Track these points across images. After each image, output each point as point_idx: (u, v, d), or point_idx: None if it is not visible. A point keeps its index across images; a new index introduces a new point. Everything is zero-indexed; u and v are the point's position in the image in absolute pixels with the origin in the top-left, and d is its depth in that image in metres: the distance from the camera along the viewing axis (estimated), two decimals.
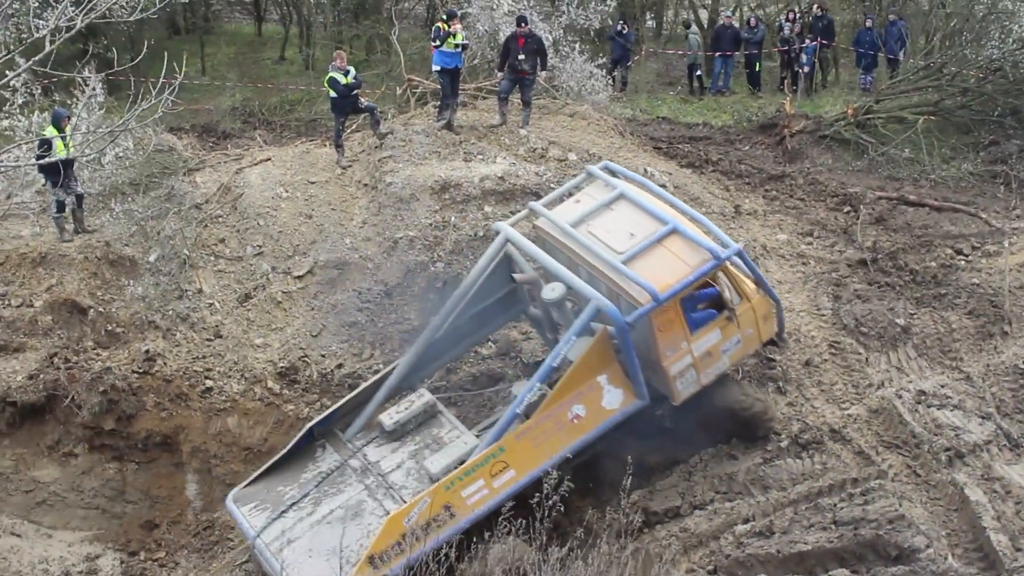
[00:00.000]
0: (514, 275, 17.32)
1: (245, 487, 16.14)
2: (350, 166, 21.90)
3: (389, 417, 16.46)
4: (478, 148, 21.93)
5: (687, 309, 16.08)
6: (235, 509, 15.80)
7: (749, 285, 16.73)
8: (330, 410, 16.98)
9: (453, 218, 20.04)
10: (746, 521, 15.90)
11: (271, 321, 19.10)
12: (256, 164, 22.21)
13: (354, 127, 24.40)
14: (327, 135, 24.27)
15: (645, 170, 22.59)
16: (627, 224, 16.26)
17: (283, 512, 15.60)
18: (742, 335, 16.58)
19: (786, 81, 32.51)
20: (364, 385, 17.34)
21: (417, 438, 16.42)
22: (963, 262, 21.39)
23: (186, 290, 19.50)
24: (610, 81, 29.98)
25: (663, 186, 21.53)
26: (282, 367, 18.48)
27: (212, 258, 20.01)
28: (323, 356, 18.66)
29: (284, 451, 16.44)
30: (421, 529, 14.43)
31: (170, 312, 19.23)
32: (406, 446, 16.34)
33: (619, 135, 24.81)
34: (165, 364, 18.43)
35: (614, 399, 15.86)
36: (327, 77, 21.90)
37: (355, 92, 21.81)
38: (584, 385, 15.70)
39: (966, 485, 16.35)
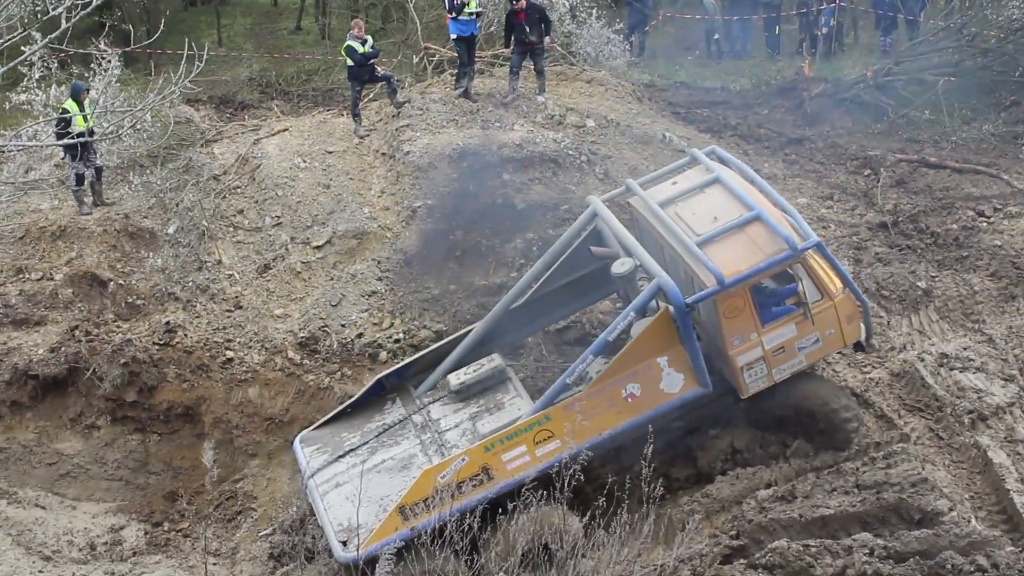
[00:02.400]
0: (592, 248, 17.15)
1: (313, 430, 16.62)
2: (367, 135, 21.87)
3: (456, 377, 16.57)
4: (495, 116, 21.86)
5: (762, 301, 15.71)
6: (298, 448, 16.29)
7: (835, 284, 16.11)
8: (402, 364, 17.22)
9: (471, 186, 19.98)
10: (768, 486, 15.90)
11: (291, 291, 19.11)
12: (273, 135, 22.20)
13: (371, 96, 24.34)
14: (344, 105, 24.21)
15: (664, 135, 22.53)
16: (714, 208, 15.95)
17: (340, 457, 15.93)
18: (821, 334, 15.99)
19: (805, 44, 32.28)
20: (439, 344, 17.47)
21: (481, 401, 16.46)
22: (985, 224, 21.26)
23: (205, 261, 19.52)
24: (628, 46, 29.83)
25: (681, 151, 21.48)
26: (302, 337, 18.48)
27: (231, 229, 20.03)
28: (343, 326, 18.65)
29: (356, 398, 16.80)
30: (455, 487, 14.50)
31: (190, 284, 19.26)
32: (468, 408, 16.41)
33: (637, 101, 24.72)
34: (185, 335, 18.47)
35: (673, 383, 15.57)
36: (344, 46, 21.85)
37: (372, 61, 21.75)
38: (642, 364, 15.46)
39: (989, 447, 16.32)
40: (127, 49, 19.15)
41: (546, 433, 15.17)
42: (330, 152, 21.46)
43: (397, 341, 18.37)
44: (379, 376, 17.03)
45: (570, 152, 20.87)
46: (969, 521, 15.03)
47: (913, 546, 14.49)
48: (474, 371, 16.61)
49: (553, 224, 19.63)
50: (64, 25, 13.01)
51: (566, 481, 12.78)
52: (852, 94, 27.52)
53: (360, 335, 18.57)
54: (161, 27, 19.61)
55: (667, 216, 15.82)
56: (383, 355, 18.21)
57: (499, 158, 20.39)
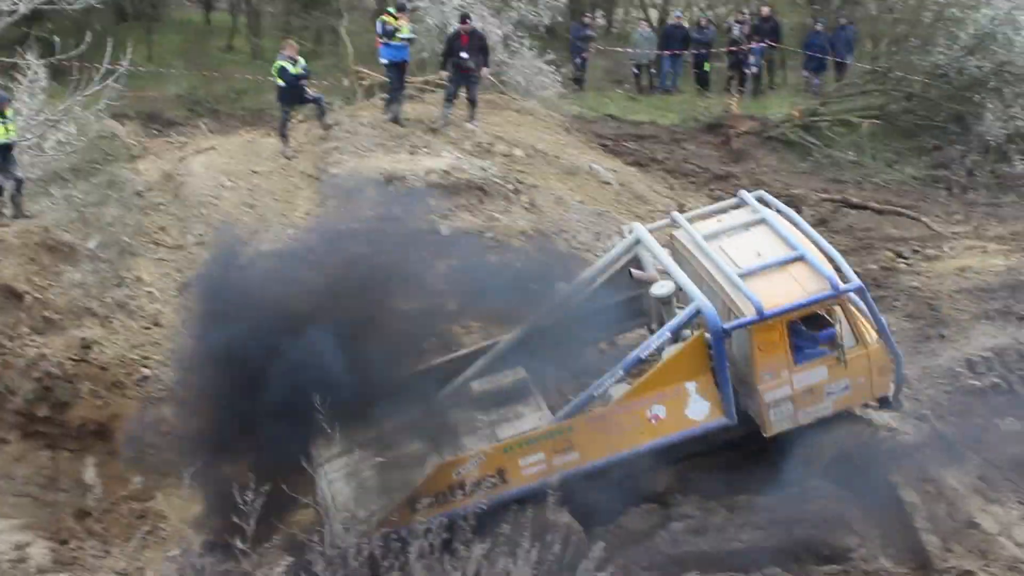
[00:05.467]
0: (632, 271, 17.07)
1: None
2: (295, 156, 21.82)
3: (479, 384, 16.38)
4: (424, 141, 21.90)
5: (797, 342, 15.60)
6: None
7: (870, 333, 16.08)
8: (428, 365, 16.81)
9: (397, 211, 19.94)
10: (682, 519, 15.95)
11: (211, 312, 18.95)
12: (200, 153, 22.11)
13: (300, 118, 24.28)
14: (272, 125, 24.13)
15: (591, 166, 22.64)
16: (758, 246, 15.95)
17: (354, 449, 15.59)
18: (852, 382, 15.89)
19: (733, 82, 32.62)
20: (463, 351, 17.28)
21: (501, 410, 16.15)
22: (903, 265, 21.56)
23: (125, 278, 19.31)
24: (569, 77, 30.03)
25: (608, 183, 21.63)
26: (222, 359, 18.29)
27: (152, 246, 19.85)
28: (265, 348, 18.47)
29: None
30: (470, 485, 14.40)
31: (108, 300, 19.02)
32: (487, 415, 16.11)
33: (565, 131, 24.88)
34: (102, 352, 18.22)
35: (699, 410, 15.37)
36: (276, 66, 21.81)
37: (303, 82, 21.71)
38: (670, 387, 15.29)
39: (900, 486, 16.48)
40: (53, 59, 18.98)
41: (566, 443, 15.00)
42: (256, 172, 21.37)
43: None
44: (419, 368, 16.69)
45: (497, 180, 20.92)
46: (877, 558, 15.16)
47: None
48: (497, 380, 16.43)
49: (477, 251, 19.60)
50: None
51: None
52: (778, 133, 27.88)
53: (282, 357, 18.41)
54: (87, 40, 19.49)
55: (710, 248, 15.84)
56: (303, 376, 18.06)
57: (426, 184, 20.38)
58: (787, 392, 15.50)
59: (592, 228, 20.94)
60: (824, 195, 24.46)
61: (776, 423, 15.65)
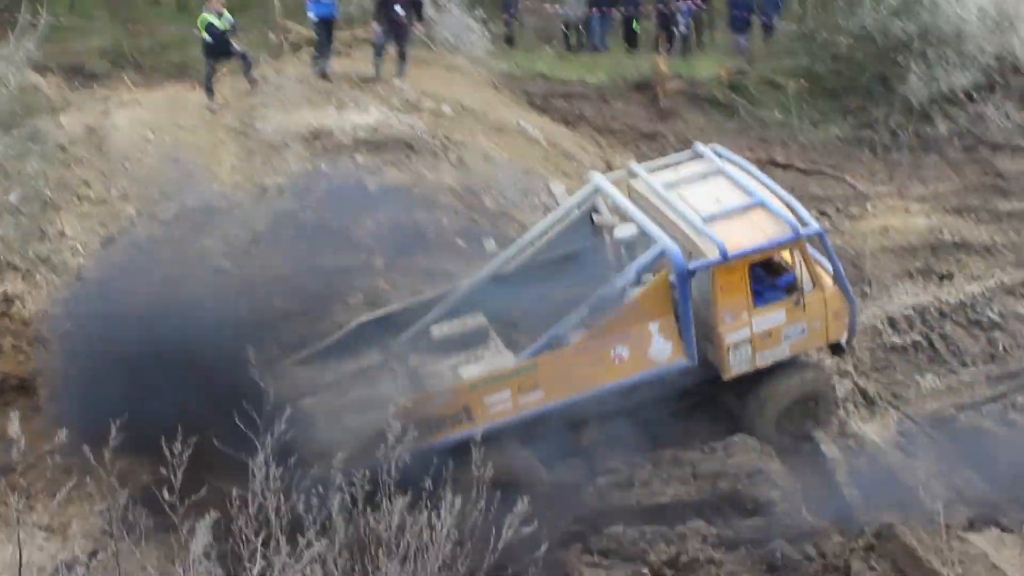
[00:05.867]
0: (593, 216, 17.24)
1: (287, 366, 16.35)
2: (220, 111, 21.60)
3: (439, 329, 16.53)
4: (351, 97, 21.77)
5: (757, 286, 15.98)
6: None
7: (826, 279, 16.50)
8: (382, 312, 17.09)
9: (324, 166, 19.85)
10: (607, 473, 16.06)
11: (134, 266, 18.72)
12: (124, 106, 21.80)
13: (225, 72, 24.00)
14: (198, 79, 23.82)
15: (519, 124, 22.61)
16: (717, 194, 16.33)
17: (314, 392, 15.79)
18: (808, 325, 16.32)
19: (662, 41, 32.60)
20: (420, 298, 17.37)
21: (462, 354, 16.36)
22: (827, 224, 21.72)
23: (47, 232, 19.08)
24: (499, 35, 29.90)
25: (536, 141, 21.64)
26: (144, 313, 18.12)
27: (75, 200, 19.60)
28: (188, 302, 18.32)
29: (334, 338, 16.62)
30: (436, 422, 14.54)
31: (30, 254, 18.78)
32: (448, 359, 16.31)
33: (494, 89, 24.78)
34: (24, 306, 18.03)
35: (661, 351, 15.69)
36: (201, 19, 21.55)
37: (228, 36, 21.47)
38: (634, 327, 15.55)
39: (822, 441, 16.70)
40: None
41: (531, 382, 15.19)
42: (181, 126, 21.16)
43: (243, 320, 18.12)
44: (360, 319, 16.91)
45: (425, 137, 20.87)
46: (800, 511, 15.37)
47: (745, 534, 14.86)
48: (458, 325, 16.60)
49: (405, 207, 19.56)
50: None
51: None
52: (706, 92, 27.91)
53: (205, 312, 18.26)
54: None
55: (670, 196, 16.16)
56: (228, 333, 17.94)
57: (353, 139, 20.28)
58: (746, 335, 15.90)
59: (520, 185, 20.95)
60: (750, 155, 24.52)
61: (735, 366, 16.05)
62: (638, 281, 15.95)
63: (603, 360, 15.48)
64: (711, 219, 15.75)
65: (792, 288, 16.19)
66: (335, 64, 23.11)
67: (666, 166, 17.55)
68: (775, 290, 16.33)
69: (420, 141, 20.68)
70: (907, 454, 16.76)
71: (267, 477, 11.00)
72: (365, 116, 21.04)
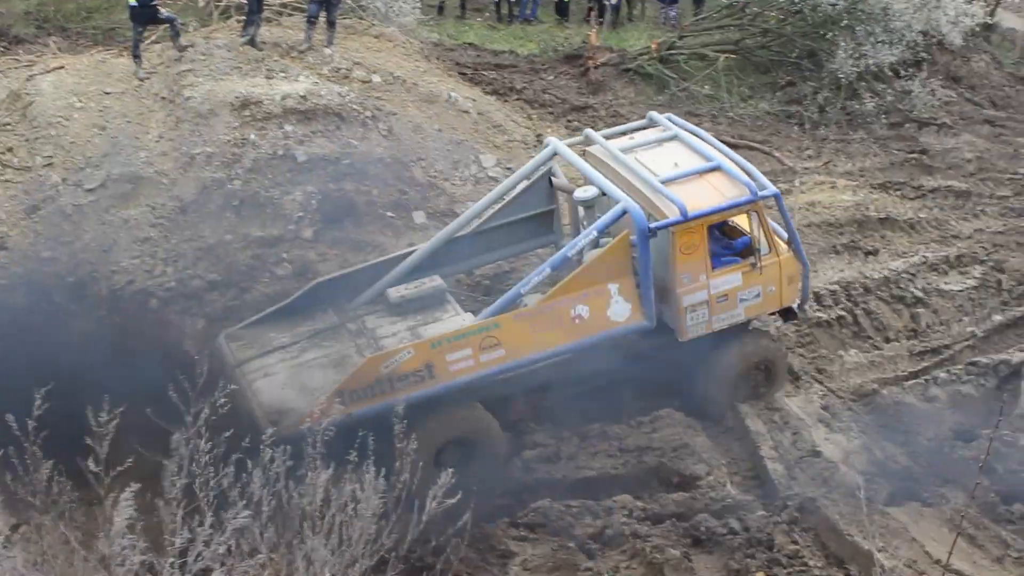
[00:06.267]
0: (552, 179, 17.48)
1: (239, 328, 16.46)
2: (148, 78, 21.30)
3: (396, 292, 16.58)
4: (281, 66, 21.57)
5: (715, 246, 16.20)
6: (223, 343, 16.12)
7: (780, 244, 16.73)
8: (341, 272, 17.23)
9: (253, 136, 19.69)
10: (535, 446, 16.14)
11: (60, 234, 18.50)
12: (49, 72, 21.43)
13: (153, 38, 23.72)
14: (125, 45, 23.50)
15: (450, 95, 22.54)
16: (675, 158, 16.51)
17: (269, 352, 15.88)
18: (764, 289, 16.53)
19: (593, 13, 32.68)
20: (378, 260, 17.48)
21: (419, 316, 16.44)
22: None
23: None
24: (429, 4, 29.79)
25: (466, 112, 21.61)
26: (70, 282, 17.96)
27: None
28: (113, 272, 18.17)
29: (288, 301, 16.71)
30: (397, 379, 14.69)
31: None
32: (406, 321, 16.38)
33: (424, 59, 24.68)
34: None
35: (620, 312, 15.81)
36: None
37: (155, 2, 21.21)
38: (594, 287, 15.66)
39: (747, 415, 16.86)
40: None
41: (493, 340, 15.28)
42: (108, 93, 20.84)
43: (169, 289, 18.01)
44: (317, 280, 16.99)
45: (355, 107, 20.73)
46: (725, 485, 15.55)
47: (670, 508, 15.01)
48: (415, 287, 16.65)
49: (334, 178, 19.50)
50: None
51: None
52: (636, 65, 28.01)
53: (131, 282, 18.13)
54: None
55: (628, 159, 16.34)
56: (154, 303, 17.84)
57: (282, 109, 20.14)
58: (704, 296, 16.10)
59: (450, 157, 20.92)
60: None
61: (692, 328, 16.22)
62: (596, 244, 16.06)
63: (564, 320, 15.61)
64: (670, 181, 15.95)
65: (748, 251, 16.45)
66: (264, 32, 22.91)
67: (622, 133, 17.76)
68: (731, 253, 16.61)
69: (350, 111, 20.55)
70: (830, 429, 16.96)
71: (193, 449, 10.94)
72: (294, 85, 20.88)
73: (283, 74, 21.23)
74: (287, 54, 22.18)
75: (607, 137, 17.45)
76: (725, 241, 16.73)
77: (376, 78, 22.16)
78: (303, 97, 20.47)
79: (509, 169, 20.65)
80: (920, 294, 20.13)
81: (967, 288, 20.53)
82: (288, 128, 19.93)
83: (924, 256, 21.04)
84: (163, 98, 20.70)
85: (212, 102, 20.14)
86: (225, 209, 18.96)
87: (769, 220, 16.57)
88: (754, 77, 27.99)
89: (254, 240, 18.66)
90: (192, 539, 10.28)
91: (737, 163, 16.55)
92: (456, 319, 16.27)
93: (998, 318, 20.09)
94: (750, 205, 16.02)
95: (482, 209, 17.55)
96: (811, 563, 14.22)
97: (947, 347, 19.37)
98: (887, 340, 19.37)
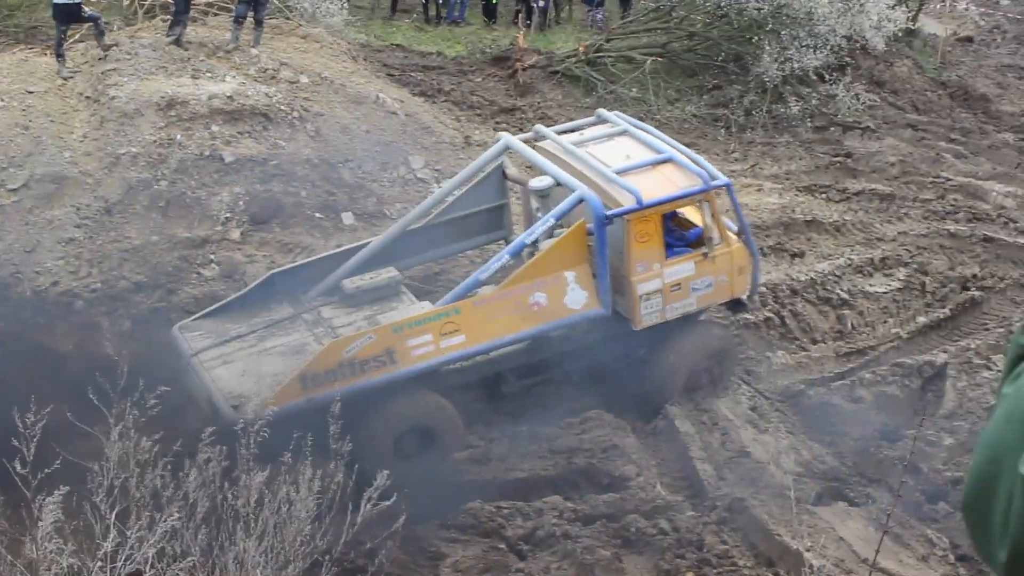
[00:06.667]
0: (505, 171, 17.71)
1: (192, 320, 16.33)
2: (72, 77, 21.07)
3: (351, 283, 16.57)
4: (207, 66, 21.40)
5: (668, 237, 16.36)
6: (178, 334, 15.96)
7: (731, 236, 16.93)
8: (296, 264, 17.30)
9: (179, 136, 19.53)
10: (465, 448, 16.12)
11: None
12: None
13: (77, 37, 23.46)
14: (48, 43, 23.25)
15: (378, 96, 22.47)
16: (626, 151, 16.72)
17: (226, 342, 15.77)
18: (715, 279, 16.70)
19: (520, 15, 32.74)
20: (332, 252, 17.54)
21: (375, 307, 16.48)
22: None
23: None
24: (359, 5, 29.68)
25: (394, 113, 21.55)
26: None
27: None
28: (37, 273, 17.93)
29: (242, 292, 16.65)
30: (358, 365, 14.69)
31: None
32: (362, 311, 16.41)
33: (352, 60, 24.60)
34: None
35: (577, 299, 15.96)
36: None
37: (79, 0, 20.97)
38: (550, 275, 15.81)
39: (677, 417, 16.94)
40: None
41: (453, 326, 15.36)
42: (31, 92, 20.58)
43: (95, 290, 17.80)
44: (272, 272, 17.00)
45: (282, 107, 20.62)
46: (654, 486, 15.58)
47: (600, 509, 15.00)
48: (370, 278, 16.68)
49: (262, 179, 19.37)
50: None
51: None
52: (564, 67, 28.10)
53: (55, 283, 17.91)
54: None
55: (580, 152, 16.54)
56: (79, 304, 17.62)
57: (208, 109, 19.99)
58: (658, 285, 16.27)
59: (378, 158, 20.86)
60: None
61: (646, 317, 16.36)
62: (550, 234, 16.22)
63: (522, 306, 15.77)
64: (623, 172, 16.16)
65: (699, 243, 16.69)
66: (191, 31, 22.72)
67: (571, 130, 17.95)
68: (683, 244, 16.81)
69: (277, 111, 20.45)
70: (759, 429, 17.07)
71: (124, 451, 10.83)
72: (221, 85, 20.72)
73: (209, 74, 21.07)
74: (213, 54, 22.01)
75: (557, 133, 17.60)
76: (678, 232, 16.93)
77: (303, 79, 22.05)
78: (230, 97, 20.33)
79: (438, 171, 20.68)
80: (846, 296, 20.33)
81: (892, 290, 20.76)
82: (215, 128, 19.78)
83: (849, 258, 21.25)
84: (87, 97, 20.48)
85: (137, 102, 19.94)
86: (151, 210, 18.77)
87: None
88: (681, 80, 28.19)
89: (181, 241, 18.48)
90: (121, 542, 10.16)
91: (687, 155, 16.86)
92: (411, 309, 16.32)
93: (922, 320, 20.31)
94: (702, 195, 16.24)
95: (434, 204, 17.69)
96: (740, 563, 14.29)
97: (872, 348, 19.56)
98: (814, 341, 19.54)
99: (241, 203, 18.93)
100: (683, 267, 16.46)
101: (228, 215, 18.80)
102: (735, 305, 17.74)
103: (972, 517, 2.05)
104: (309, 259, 17.59)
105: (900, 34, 30.58)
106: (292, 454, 11.60)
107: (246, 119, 20.19)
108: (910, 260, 21.58)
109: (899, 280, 20.99)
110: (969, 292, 21.05)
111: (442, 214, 17.68)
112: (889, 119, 28.04)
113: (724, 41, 28.71)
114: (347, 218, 19.49)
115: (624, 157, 16.55)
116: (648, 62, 27.92)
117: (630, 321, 16.44)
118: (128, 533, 10.26)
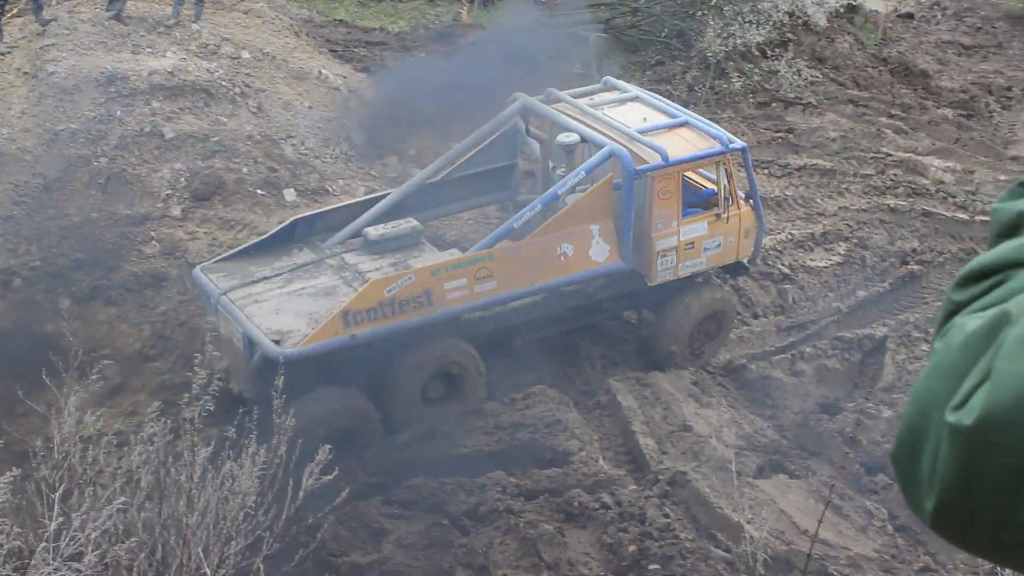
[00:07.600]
0: (529, 128, 18.04)
1: (214, 262, 16.34)
2: (9, 52, 20.85)
3: (375, 230, 16.67)
4: (148, 41, 21.23)
5: (685, 197, 16.83)
6: (201, 276, 15.94)
7: (740, 200, 17.46)
8: (318, 211, 17.52)
9: (119, 112, 19.37)
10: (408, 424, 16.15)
11: None
12: None
13: (14, 11, 23.20)
14: None
15: (320, 72, 22.38)
16: (642, 114, 17.35)
17: (252, 283, 15.77)
18: (724, 240, 17.28)
19: None
20: (353, 200, 17.91)
21: (398, 255, 16.57)
22: None
23: None
24: None
25: (337, 89, 21.47)
26: None
27: None
28: None
29: (265, 237, 16.71)
30: (398, 305, 14.97)
31: None
32: (386, 258, 16.48)
33: (294, 35, 24.49)
34: None
35: (600, 252, 16.45)
36: None
37: None
38: (577, 227, 16.26)
39: (619, 392, 17.03)
40: None
41: (486, 271, 15.69)
42: None
43: (34, 268, 17.65)
44: (295, 218, 17.02)
45: (224, 83, 20.51)
46: (597, 461, 15.67)
47: (543, 484, 15.07)
48: (393, 227, 16.81)
49: (203, 155, 19.25)
50: None
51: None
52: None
53: None
54: None
55: (599, 114, 17.09)
56: (17, 282, 17.47)
57: (149, 85, 19.84)
58: (674, 243, 16.82)
59: (321, 135, 20.80)
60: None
61: (661, 273, 16.96)
62: (572, 190, 16.65)
63: (550, 256, 16.21)
64: (644, 132, 16.73)
65: (712, 203, 17.20)
66: (131, 6, 22.52)
67: (582, 95, 18.30)
68: (699, 199, 17.37)
69: (218, 87, 20.32)
70: (700, 403, 17.19)
71: (71, 427, 10.78)
72: (162, 61, 20.57)
73: (150, 49, 20.91)
74: (154, 29, 21.83)
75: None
76: (692, 189, 17.43)
77: (245, 54, 21.93)
78: (170, 73, 20.19)
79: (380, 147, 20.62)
80: (787, 271, 20.50)
81: (832, 264, 20.97)
82: (155, 104, 19.64)
83: (791, 233, 21.43)
84: (25, 73, 20.27)
85: (76, 77, 19.76)
86: (91, 187, 18.62)
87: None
88: (624, 56, 28.17)
89: (121, 218, 18.35)
90: (65, 522, 10.11)
91: (701, 120, 17.54)
92: (434, 257, 16.55)
93: (862, 293, 20.52)
94: (720, 157, 16.78)
95: (451, 160, 17.97)
96: (682, 536, 14.38)
97: (813, 322, 19.75)
98: (755, 316, 19.71)
99: (182, 180, 18.81)
100: (697, 227, 17.04)
101: (169, 192, 18.68)
102: (736, 267, 18.24)
103: (902, 468, 2.12)
104: (328, 207, 17.86)
105: (842, 10, 30.76)
106: (235, 429, 11.57)
107: (187, 95, 20.06)
108: (850, 235, 21.79)
109: (839, 255, 21.20)
110: (908, 266, 21.28)
111: (456, 170, 17.98)
112: (830, 95, 28.19)
113: (667, 17, 28.76)
114: (289, 195, 19.41)
115: (641, 119, 17.12)
116: (591, 37, 27.89)
117: (645, 277, 16.94)
118: (72, 515, 10.21)
